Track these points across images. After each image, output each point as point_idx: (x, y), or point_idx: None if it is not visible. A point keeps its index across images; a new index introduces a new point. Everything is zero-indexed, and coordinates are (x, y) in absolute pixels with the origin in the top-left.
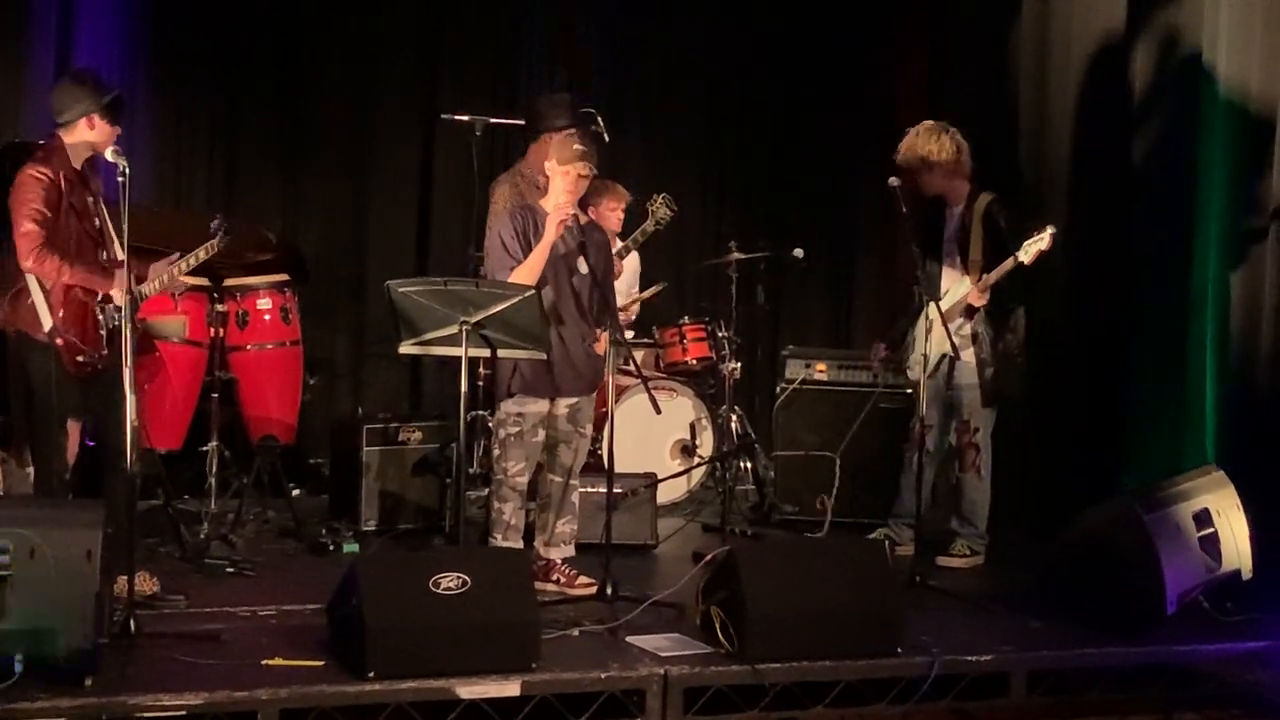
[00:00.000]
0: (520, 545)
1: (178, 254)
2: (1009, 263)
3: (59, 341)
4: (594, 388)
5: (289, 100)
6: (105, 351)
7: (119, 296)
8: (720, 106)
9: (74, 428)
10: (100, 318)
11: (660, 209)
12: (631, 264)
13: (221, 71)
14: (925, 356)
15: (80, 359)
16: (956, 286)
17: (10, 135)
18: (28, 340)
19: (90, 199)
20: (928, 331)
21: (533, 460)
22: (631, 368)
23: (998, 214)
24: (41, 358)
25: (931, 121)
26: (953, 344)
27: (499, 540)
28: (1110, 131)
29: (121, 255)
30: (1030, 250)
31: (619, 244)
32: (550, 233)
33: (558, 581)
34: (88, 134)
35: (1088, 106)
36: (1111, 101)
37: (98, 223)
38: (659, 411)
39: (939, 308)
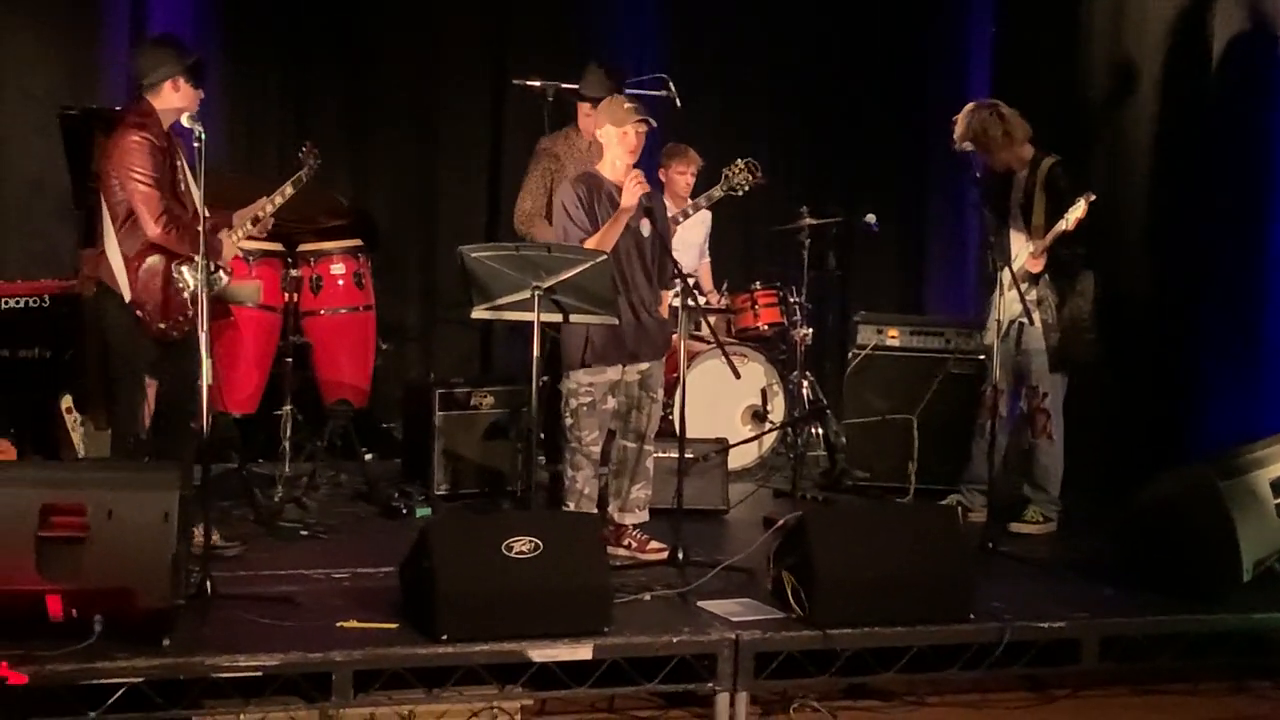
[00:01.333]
0: (594, 513)
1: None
2: (1058, 226)
3: (138, 313)
4: (664, 352)
5: (359, 66)
6: (190, 312)
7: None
8: (790, 71)
9: (152, 385)
10: (178, 283)
11: (738, 175)
12: (701, 226)
13: (292, 37)
14: (998, 322)
15: (162, 326)
16: (1024, 251)
17: (87, 101)
18: (109, 292)
19: (178, 163)
20: (1000, 296)
21: (605, 427)
22: (705, 332)
23: (1059, 178)
24: (121, 312)
25: (972, 103)
26: (1025, 308)
27: (572, 508)
28: (1186, 93)
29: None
30: (1070, 218)
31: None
32: (629, 202)
33: (629, 546)
34: (173, 98)
35: (1164, 69)
36: (1188, 64)
37: (183, 186)
38: (738, 376)
39: (1012, 272)
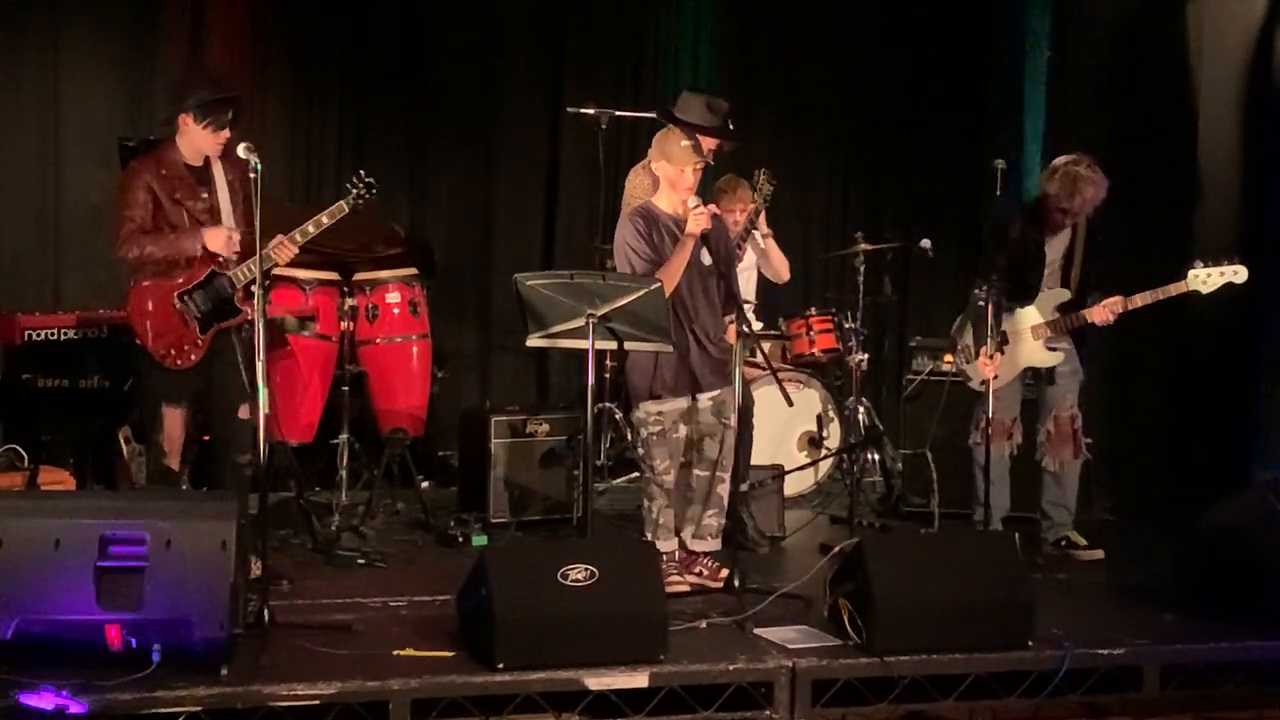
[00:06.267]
0: (673, 544)
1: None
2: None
3: (136, 339)
4: (732, 378)
5: (416, 94)
6: (199, 341)
7: (215, 245)
8: (847, 96)
9: (174, 413)
10: (183, 313)
11: (765, 185)
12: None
13: (349, 66)
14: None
15: (161, 352)
16: (1051, 301)
17: (146, 132)
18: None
19: (206, 194)
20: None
21: (677, 456)
22: (759, 359)
23: (1103, 242)
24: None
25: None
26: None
27: (649, 538)
28: (1249, 117)
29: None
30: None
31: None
32: (693, 228)
33: (700, 574)
34: (185, 133)
35: (1227, 95)
36: (1254, 88)
37: (222, 216)
38: (791, 404)
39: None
